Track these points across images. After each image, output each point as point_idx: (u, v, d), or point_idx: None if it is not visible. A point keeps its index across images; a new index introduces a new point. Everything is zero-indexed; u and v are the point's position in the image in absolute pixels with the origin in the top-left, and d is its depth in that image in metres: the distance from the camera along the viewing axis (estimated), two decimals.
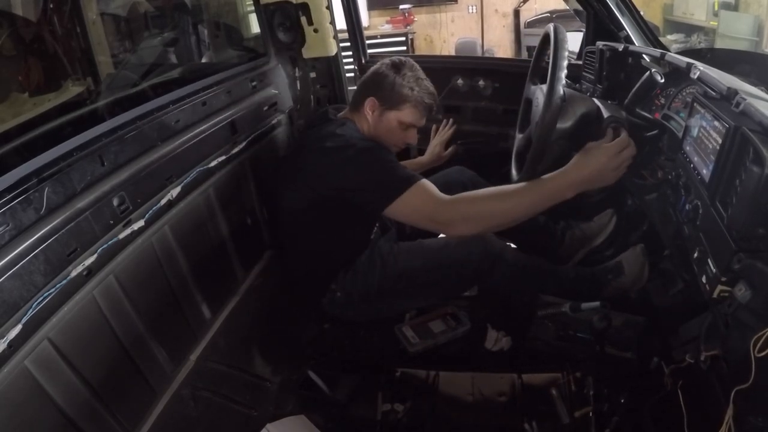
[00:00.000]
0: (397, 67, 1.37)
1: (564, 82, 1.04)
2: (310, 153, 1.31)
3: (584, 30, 1.72)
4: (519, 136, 1.35)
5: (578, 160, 1.08)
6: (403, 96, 1.35)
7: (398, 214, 1.22)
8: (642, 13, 1.58)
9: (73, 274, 0.94)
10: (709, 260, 0.80)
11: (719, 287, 0.76)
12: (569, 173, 1.08)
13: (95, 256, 0.98)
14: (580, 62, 1.67)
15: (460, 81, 1.86)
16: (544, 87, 1.11)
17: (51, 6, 1.52)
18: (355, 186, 1.22)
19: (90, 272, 0.98)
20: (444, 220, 1.16)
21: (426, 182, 1.19)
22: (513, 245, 1.62)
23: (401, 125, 1.38)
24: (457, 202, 1.16)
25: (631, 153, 1.06)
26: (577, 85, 1.65)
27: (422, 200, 1.17)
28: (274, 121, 1.75)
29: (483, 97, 1.85)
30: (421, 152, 1.86)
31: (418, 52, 5.63)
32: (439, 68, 1.87)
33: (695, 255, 0.86)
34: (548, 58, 1.08)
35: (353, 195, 1.23)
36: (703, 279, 0.82)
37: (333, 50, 1.86)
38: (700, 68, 1.00)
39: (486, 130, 1.87)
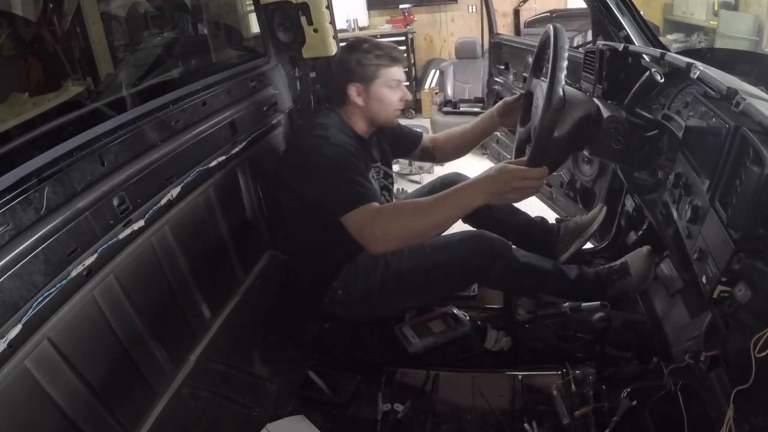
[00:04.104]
0: (353, 46, 1.44)
1: (563, 83, 1.04)
2: (290, 152, 1.39)
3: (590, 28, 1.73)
4: (520, 130, 1.35)
5: (489, 174, 1.11)
6: (374, 65, 1.41)
7: (347, 226, 1.23)
8: (642, 12, 1.58)
9: (73, 274, 0.94)
10: (709, 260, 0.80)
11: (719, 287, 0.76)
12: (477, 183, 1.12)
13: (95, 256, 0.99)
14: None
15: (530, 59, 2.13)
16: (545, 85, 1.10)
17: (51, 6, 1.52)
18: (317, 196, 1.28)
19: (90, 272, 0.98)
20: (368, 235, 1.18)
21: (374, 204, 1.20)
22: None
23: (389, 88, 1.43)
24: (379, 217, 1.17)
25: (536, 185, 1.09)
26: (577, 84, 1.65)
27: (362, 216, 1.19)
28: (273, 121, 1.75)
29: None
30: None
31: (418, 52, 5.64)
32: (519, 49, 2.39)
33: (695, 255, 0.86)
34: (548, 59, 1.08)
35: (316, 201, 1.29)
36: (703, 279, 0.82)
37: (333, 50, 1.86)
38: (700, 68, 0.99)
39: None
